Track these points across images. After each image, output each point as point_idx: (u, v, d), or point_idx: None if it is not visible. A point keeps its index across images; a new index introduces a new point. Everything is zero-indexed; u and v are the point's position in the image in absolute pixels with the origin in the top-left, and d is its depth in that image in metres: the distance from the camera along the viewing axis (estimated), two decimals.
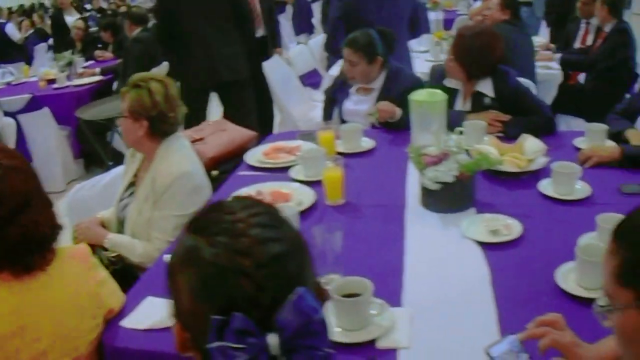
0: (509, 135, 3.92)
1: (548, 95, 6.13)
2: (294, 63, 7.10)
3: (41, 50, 11.63)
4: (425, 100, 3.59)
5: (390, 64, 4.69)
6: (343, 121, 4.64)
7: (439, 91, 3.64)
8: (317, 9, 11.70)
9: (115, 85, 7.79)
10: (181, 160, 3.32)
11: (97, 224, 3.46)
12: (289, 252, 1.22)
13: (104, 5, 14.00)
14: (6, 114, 7.00)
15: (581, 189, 3.21)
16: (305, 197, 3.26)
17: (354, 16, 5.44)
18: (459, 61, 4.17)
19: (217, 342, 1.12)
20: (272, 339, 1.13)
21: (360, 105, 4.57)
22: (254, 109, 6.36)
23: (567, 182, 3.21)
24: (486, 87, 4.19)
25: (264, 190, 3.34)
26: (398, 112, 4.22)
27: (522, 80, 4.92)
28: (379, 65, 4.58)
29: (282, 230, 1.26)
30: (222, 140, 4.24)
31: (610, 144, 3.76)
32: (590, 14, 6.86)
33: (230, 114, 6.00)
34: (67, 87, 7.71)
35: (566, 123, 6.17)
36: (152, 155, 3.35)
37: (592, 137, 3.85)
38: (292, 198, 3.23)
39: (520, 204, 3.15)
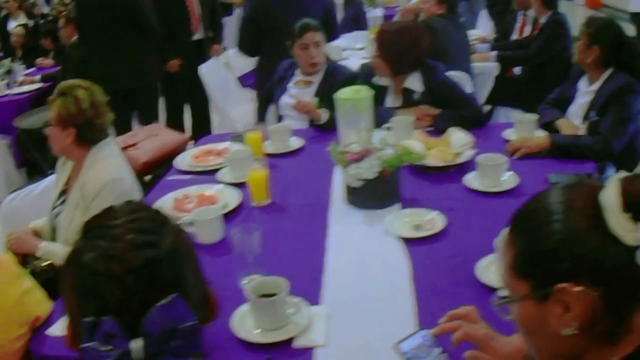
0: (438, 129, 3.95)
1: (485, 87, 6.17)
2: (232, 64, 7.05)
3: None
4: (351, 98, 3.59)
5: (330, 59, 4.76)
6: (280, 118, 4.67)
7: (364, 88, 3.64)
8: None
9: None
10: (109, 166, 3.31)
11: (30, 233, 3.42)
12: (164, 258, 1.22)
13: (46, 10, 13.80)
14: None
15: (507, 181, 3.22)
16: (232, 198, 3.26)
17: (263, 18, 5.50)
18: (383, 58, 4.19)
19: (88, 343, 1.15)
20: (136, 343, 1.14)
21: (300, 97, 4.54)
22: (155, 115, 6.54)
23: (492, 174, 3.23)
24: (415, 82, 4.21)
25: (190, 193, 3.33)
26: (324, 115, 4.22)
27: (457, 73, 4.98)
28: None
29: (161, 236, 1.25)
30: (155, 145, 4.25)
31: (541, 134, 3.80)
32: (526, 6, 6.90)
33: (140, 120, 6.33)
34: (6, 95, 7.60)
35: (505, 115, 6.21)
36: (82, 163, 3.35)
37: (521, 128, 3.88)
38: (218, 200, 3.22)
39: (445, 197, 3.17)
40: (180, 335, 1.15)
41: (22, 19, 11.04)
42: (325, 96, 4.29)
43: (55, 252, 3.26)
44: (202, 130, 6.68)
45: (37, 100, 7.49)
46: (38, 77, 8.03)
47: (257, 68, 5.73)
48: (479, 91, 5.91)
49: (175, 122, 6.84)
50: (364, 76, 4.42)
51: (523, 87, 6.28)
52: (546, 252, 1.29)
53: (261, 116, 4.97)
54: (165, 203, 3.27)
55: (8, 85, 7.88)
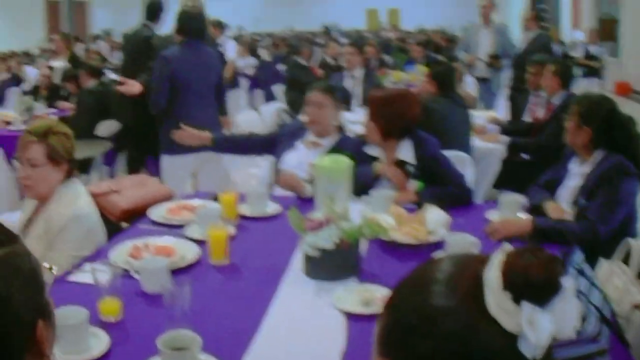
0: (421, 205, 3.81)
1: (490, 170, 6.07)
2: (242, 128, 7.03)
3: (14, 94, 11.63)
4: (329, 167, 3.49)
5: (346, 128, 4.76)
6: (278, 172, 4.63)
7: (344, 158, 3.57)
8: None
9: None
10: (76, 202, 3.42)
11: None
12: None
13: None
14: None
15: None
16: (190, 253, 3.21)
17: (175, 77, 5.92)
18: (374, 120, 4.17)
19: None
20: None
21: (305, 157, 4.51)
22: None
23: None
24: (407, 154, 4.16)
25: (150, 243, 3.29)
26: (308, 191, 4.12)
27: (457, 153, 4.92)
28: (337, 119, 4.62)
29: None
30: (138, 194, 4.23)
31: (524, 216, 3.71)
32: (539, 86, 6.78)
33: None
34: (21, 130, 7.64)
35: None
36: (49, 199, 3.45)
37: (505, 209, 3.79)
38: (175, 253, 3.18)
39: None
40: None
41: (62, 60, 11.00)
42: None
43: None
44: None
45: None
46: (55, 117, 8.05)
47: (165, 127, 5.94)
48: (483, 173, 5.83)
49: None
50: (354, 147, 4.36)
51: (532, 171, 6.10)
52: (410, 327, 1.12)
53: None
54: (124, 248, 3.26)
55: (24, 122, 7.95)
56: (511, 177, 6.13)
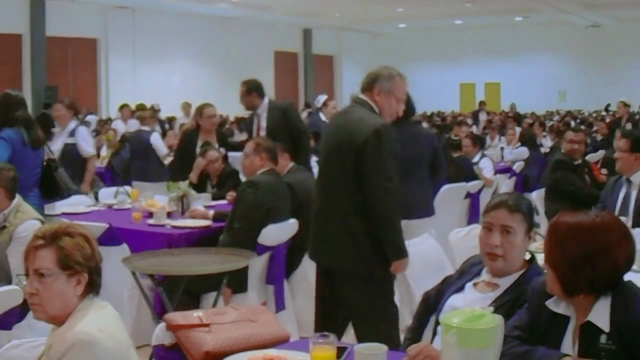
0: None
1: None
2: (457, 248, 6.21)
3: None
4: (460, 327, 2.75)
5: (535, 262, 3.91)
6: (435, 329, 3.91)
7: (487, 313, 2.83)
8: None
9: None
10: (88, 323, 3.11)
11: None
12: None
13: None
14: None
15: None
16: None
17: None
18: (551, 265, 3.09)
19: None
20: None
21: (473, 303, 3.67)
22: None
23: None
24: (601, 317, 3.04)
25: None
26: None
27: None
28: (526, 249, 3.87)
29: None
30: (236, 334, 3.80)
31: None
32: None
33: None
34: (162, 226, 7.11)
35: None
36: (63, 320, 3.18)
37: None
38: None
39: None
40: None
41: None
42: (503, 308, 3.44)
43: None
44: None
45: (201, 239, 7.03)
46: (212, 213, 7.48)
47: None
48: None
49: None
50: (536, 295, 3.28)
51: None
52: None
53: (419, 325, 4.12)
54: None
55: (170, 215, 7.47)
56: None
